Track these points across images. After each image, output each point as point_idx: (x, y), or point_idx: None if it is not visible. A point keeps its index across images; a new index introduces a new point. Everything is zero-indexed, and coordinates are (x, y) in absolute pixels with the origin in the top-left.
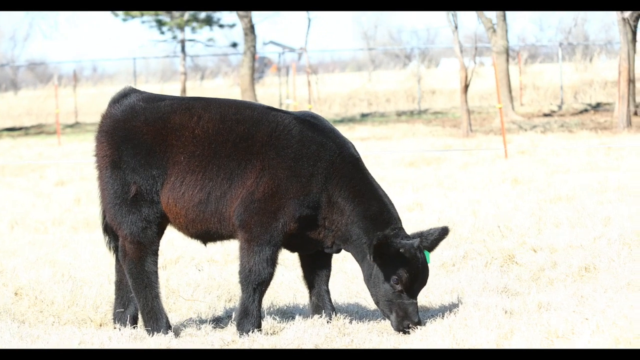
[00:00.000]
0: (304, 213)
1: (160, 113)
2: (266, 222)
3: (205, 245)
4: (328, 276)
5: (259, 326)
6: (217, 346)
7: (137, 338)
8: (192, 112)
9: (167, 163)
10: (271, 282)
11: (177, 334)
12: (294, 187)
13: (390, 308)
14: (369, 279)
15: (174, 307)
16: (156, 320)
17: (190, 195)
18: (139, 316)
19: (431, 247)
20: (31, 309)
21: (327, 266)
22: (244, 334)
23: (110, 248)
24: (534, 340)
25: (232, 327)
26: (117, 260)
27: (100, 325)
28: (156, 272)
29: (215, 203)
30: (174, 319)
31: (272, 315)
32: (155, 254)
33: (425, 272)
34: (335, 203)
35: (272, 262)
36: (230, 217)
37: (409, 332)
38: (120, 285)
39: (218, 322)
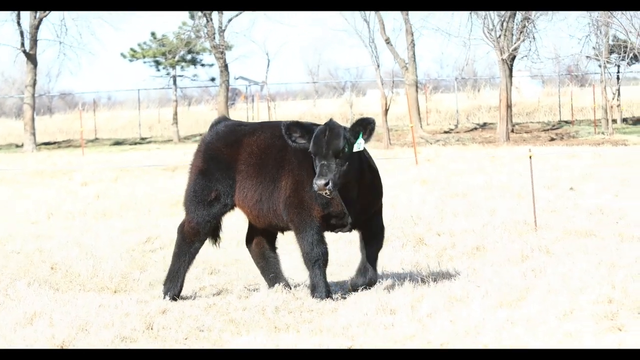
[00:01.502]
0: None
1: (236, 136)
2: (299, 212)
3: (282, 233)
4: (373, 250)
5: (327, 294)
6: (202, 306)
7: (141, 302)
8: (254, 133)
9: (237, 173)
10: (329, 258)
11: (174, 300)
12: (306, 181)
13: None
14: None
15: None
16: (174, 283)
17: (251, 197)
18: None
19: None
20: (63, 280)
21: (374, 243)
22: (321, 299)
23: (250, 250)
24: (438, 302)
25: (213, 294)
26: (253, 253)
27: (115, 292)
28: (195, 255)
29: (267, 202)
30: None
31: (244, 283)
32: (202, 242)
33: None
34: None
35: (318, 242)
36: (280, 213)
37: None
38: (264, 269)
39: (203, 289)
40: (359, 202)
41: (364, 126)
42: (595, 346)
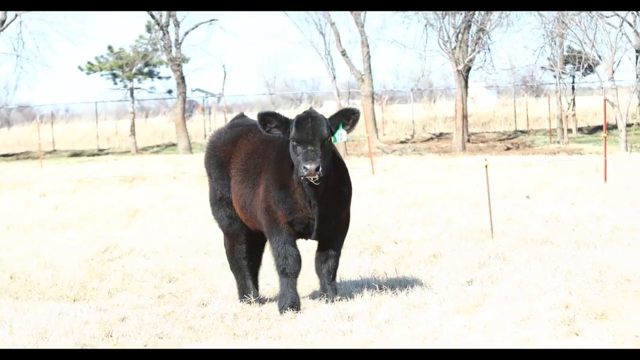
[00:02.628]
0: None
1: (232, 136)
2: (266, 217)
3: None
4: (329, 270)
5: (292, 305)
6: (161, 314)
7: (100, 310)
8: (246, 135)
9: (229, 174)
10: (299, 266)
11: (262, 302)
12: (272, 185)
13: (296, 162)
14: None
15: (129, 286)
16: (247, 295)
17: (237, 201)
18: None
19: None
20: (22, 289)
21: (330, 260)
22: (281, 311)
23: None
24: (396, 309)
25: (172, 301)
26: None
27: (74, 300)
28: (245, 258)
29: (249, 208)
30: (129, 296)
31: (203, 291)
32: (242, 244)
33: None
34: None
35: (285, 250)
36: (260, 219)
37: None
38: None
39: (161, 297)
40: (324, 203)
41: (347, 116)
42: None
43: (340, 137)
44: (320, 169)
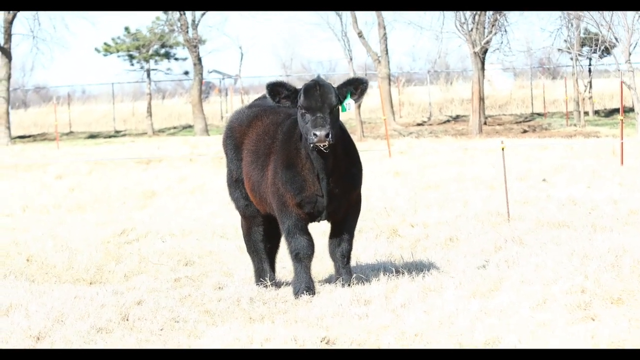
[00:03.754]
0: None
1: (249, 117)
2: (276, 201)
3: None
4: (343, 253)
5: (306, 289)
6: (177, 298)
7: (116, 293)
8: (260, 117)
9: (242, 155)
10: (312, 250)
11: (278, 286)
12: (280, 167)
13: (305, 130)
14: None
15: (145, 270)
16: (263, 278)
17: (248, 183)
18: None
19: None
20: (39, 272)
21: (343, 244)
22: (296, 295)
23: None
24: (412, 293)
25: (189, 285)
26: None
27: (90, 284)
28: (262, 240)
29: (257, 190)
30: (145, 280)
31: (219, 274)
32: (259, 226)
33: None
34: None
35: (297, 234)
36: (270, 202)
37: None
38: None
39: (178, 281)
40: (333, 181)
41: (355, 86)
42: (568, 336)
43: (349, 106)
44: (330, 135)
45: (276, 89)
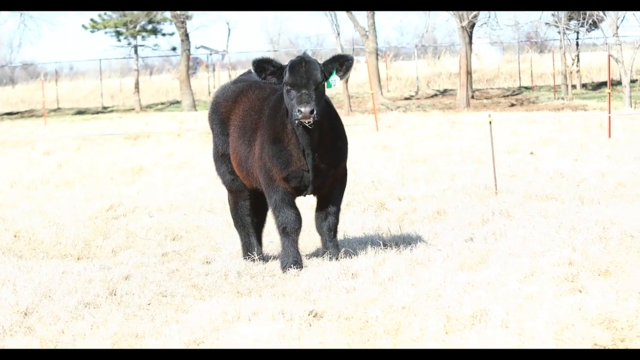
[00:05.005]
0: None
1: (234, 92)
2: (263, 175)
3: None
4: (329, 227)
5: (294, 263)
6: (165, 272)
7: (104, 268)
8: (246, 92)
9: (228, 131)
10: (299, 224)
11: (266, 260)
12: (266, 142)
13: (290, 106)
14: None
15: (132, 245)
16: (251, 252)
17: (235, 158)
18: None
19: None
20: (26, 247)
21: (330, 217)
22: (284, 269)
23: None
24: (400, 266)
25: (176, 259)
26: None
27: (78, 259)
28: (248, 215)
29: (244, 165)
30: (132, 255)
31: (207, 249)
32: (246, 200)
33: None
34: None
35: (284, 208)
36: (257, 177)
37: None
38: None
39: (165, 255)
40: (319, 155)
41: (340, 62)
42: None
43: (334, 82)
44: (315, 111)
45: (262, 65)
